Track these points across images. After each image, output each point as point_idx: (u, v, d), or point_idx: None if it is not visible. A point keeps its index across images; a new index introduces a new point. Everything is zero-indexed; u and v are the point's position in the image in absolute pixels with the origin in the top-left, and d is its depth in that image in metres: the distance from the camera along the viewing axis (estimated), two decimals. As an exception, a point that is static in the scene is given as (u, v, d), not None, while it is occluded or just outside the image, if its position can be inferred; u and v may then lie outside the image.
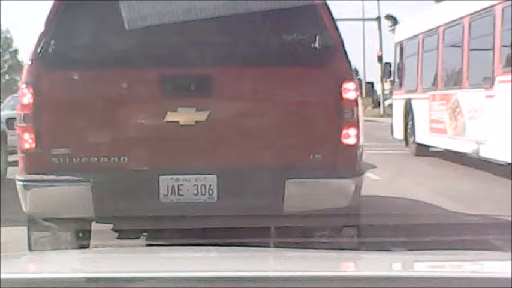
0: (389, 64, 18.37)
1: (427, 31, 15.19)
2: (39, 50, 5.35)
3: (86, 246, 5.60)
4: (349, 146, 5.38)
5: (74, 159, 5.31)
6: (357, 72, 39.37)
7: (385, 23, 38.51)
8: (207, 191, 5.26)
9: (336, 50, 5.43)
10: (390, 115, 19.46)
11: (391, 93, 21.85)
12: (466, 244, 5.69)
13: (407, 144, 16.23)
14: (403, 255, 3.84)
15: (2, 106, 16.30)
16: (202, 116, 5.31)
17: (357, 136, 5.39)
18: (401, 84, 17.12)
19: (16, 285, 2.14)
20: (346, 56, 5.45)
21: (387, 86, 31.92)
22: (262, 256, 2.90)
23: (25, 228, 5.57)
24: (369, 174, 9.35)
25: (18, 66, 53.04)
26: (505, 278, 2.14)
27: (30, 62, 5.42)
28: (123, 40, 5.45)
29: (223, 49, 5.57)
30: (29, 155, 5.35)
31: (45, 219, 5.37)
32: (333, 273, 2.36)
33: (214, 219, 5.25)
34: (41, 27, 5.40)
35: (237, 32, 5.57)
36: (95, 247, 5.62)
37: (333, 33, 5.44)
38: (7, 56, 65.24)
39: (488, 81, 11.49)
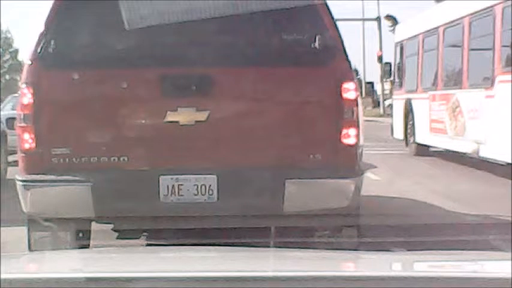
0: (389, 64, 18.38)
1: (427, 31, 15.19)
2: (39, 50, 5.35)
3: (86, 246, 5.60)
4: (349, 146, 5.38)
5: (74, 159, 5.31)
6: (357, 72, 39.38)
7: (385, 23, 38.52)
8: (207, 191, 5.26)
9: (336, 50, 5.43)
10: (390, 115, 19.46)
11: (391, 93, 21.85)
12: (466, 244, 5.69)
13: (407, 144, 16.23)
14: (403, 255, 3.84)
15: (2, 106, 16.30)
16: (202, 116, 5.31)
17: (357, 136, 5.39)
18: (401, 84, 17.12)
19: (16, 285, 2.14)
20: (346, 56, 5.45)
21: (387, 86, 31.91)
22: (262, 256, 2.90)
23: (25, 228, 5.57)
24: (369, 174, 9.35)
25: (18, 66, 53.02)
26: (505, 278, 2.14)
27: (30, 62, 5.42)
28: (123, 40, 5.46)
29: (223, 49, 5.57)
30: (29, 155, 5.35)
31: (45, 219, 5.37)
32: (333, 273, 2.36)
33: (214, 219, 5.25)
34: (41, 27, 5.40)
35: (237, 32, 5.57)
36: (95, 247, 5.62)
37: (333, 33, 5.44)
38: (7, 56, 65.22)
39: (488, 81, 11.50)
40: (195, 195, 5.27)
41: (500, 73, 11.09)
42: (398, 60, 17.50)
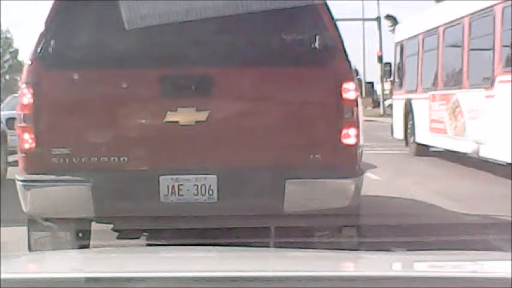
0: (389, 64, 18.37)
1: (427, 31, 15.19)
2: (39, 50, 5.35)
3: (86, 246, 5.60)
4: (349, 146, 5.38)
5: (74, 159, 5.31)
6: (357, 72, 39.38)
7: (385, 23, 38.55)
8: (207, 191, 5.26)
9: (336, 50, 5.43)
10: (390, 115, 19.46)
11: (391, 93, 21.85)
12: (466, 244, 5.69)
13: (407, 144, 16.23)
14: (403, 255, 3.84)
15: (2, 106, 16.29)
16: (202, 116, 5.30)
17: (357, 136, 5.39)
18: (401, 84, 17.12)
19: (16, 285, 2.14)
20: (346, 56, 5.45)
21: (387, 86, 31.91)
22: (262, 256, 2.90)
23: (25, 228, 5.57)
24: (369, 174, 9.35)
25: (18, 66, 53.03)
26: (505, 278, 2.14)
27: (30, 62, 5.42)
28: (123, 40, 5.45)
29: (223, 49, 5.57)
30: (29, 155, 5.35)
31: (45, 219, 5.38)
32: (333, 273, 2.36)
33: (214, 219, 5.25)
34: (41, 27, 5.40)
35: (237, 32, 5.57)
36: (95, 247, 5.62)
37: (333, 33, 5.44)
38: (7, 56, 65.23)
39: (488, 81, 11.50)
40: (195, 195, 5.27)
41: (500, 73, 11.09)
42: (398, 60, 17.49)
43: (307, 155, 5.37)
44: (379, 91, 41.17)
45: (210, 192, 5.26)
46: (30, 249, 5.49)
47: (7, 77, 61.40)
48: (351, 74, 5.54)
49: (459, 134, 12.82)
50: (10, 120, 11.37)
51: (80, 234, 5.58)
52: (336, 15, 5.58)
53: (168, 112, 5.30)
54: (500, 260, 2.69)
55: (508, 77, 10.65)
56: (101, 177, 5.25)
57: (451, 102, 13.21)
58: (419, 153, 15.36)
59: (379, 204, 8.56)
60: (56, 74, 5.41)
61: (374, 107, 42.27)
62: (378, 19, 40.81)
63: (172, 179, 5.26)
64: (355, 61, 50.22)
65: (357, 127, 5.40)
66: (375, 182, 10.27)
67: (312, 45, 5.43)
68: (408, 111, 16.04)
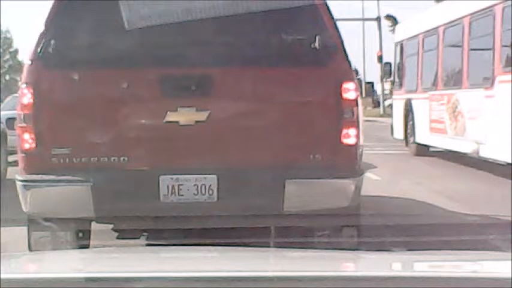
0: (389, 64, 18.37)
1: (427, 31, 15.20)
2: (39, 50, 5.35)
3: (86, 246, 5.60)
4: (349, 146, 5.38)
5: (74, 159, 5.31)
6: (357, 72, 39.36)
7: (385, 23, 38.58)
8: (207, 191, 5.26)
9: (336, 50, 5.43)
10: (390, 115, 19.46)
11: (391, 93, 21.85)
12: (466, 244, 5.69)
13: (407, 144, 16.23)
14: (403, 255, 3.84)
15: (2, 106, 16.30)
16: (202, 116, 5.31)
17: (357, 136, 5.39)
18: (401, 84, 17.12)
19: (16, 285, 2.14)
20: (346, 56, 5.45)
21: (387, 86, 31.91)
22: (262, 256, 2.90)
23: (25, 228, 5.57)
24: (369, 174, 9.35)
25: (18, 66, 53.07)
26: (505, 278, 2.14)
27: (30, 62, 5.42)
28: (123, 40, 5.45)
29: (223, 49, 5.57)
30: (29, 155, 5.35)
31: (45, 219, 5.38)
32: (333, 273, 2.36)
33: (214, 219, 5.25)
34: (41, 27, 5.40)
35: (237, 32, 5.57)
36: (95, 247, 5.62)
37: (333, 33, 5.44)
38: (7, 56, 65.26)
39: (488, 81, 11.50)
40: (195, 195, 5.27)
41: (500, 73, 11.09)
42: (398, 60, 17.49)
43: (307, 155, 5.37)
44: (379, 91, 41.16)
45: (210, 192, 5.26)
46: (30, 249, 5.49)
47: (7, 77, 61.42)
48: (351, 74, 5.54)
49: (459, 134, 12.83)
50: (10, 120, 11.38)
51: (80, 234, 5.59)
52: (336, 15, 5.58)
53: (168, 112, 5.30)
54: (500, 260, 2.69)
55: (508, 77, 10.65)
56: (101, 177, 5.25)
57: (451, 102, 13.22)
58: (419, 153, 15.36)
59: (379, 204, 8.56)
60: (56, 74, 5.41)
61: (374, 107, 42.26)
62: (378, 19, 40.84)
63: (172, 178, 5.26)
64: (355, 61, 50.28)
65: (357, 127, 5.40)
66: (375, 182, 10.27)
67: (312, 45, 5.43)
68: (408, 111, 16.05)
